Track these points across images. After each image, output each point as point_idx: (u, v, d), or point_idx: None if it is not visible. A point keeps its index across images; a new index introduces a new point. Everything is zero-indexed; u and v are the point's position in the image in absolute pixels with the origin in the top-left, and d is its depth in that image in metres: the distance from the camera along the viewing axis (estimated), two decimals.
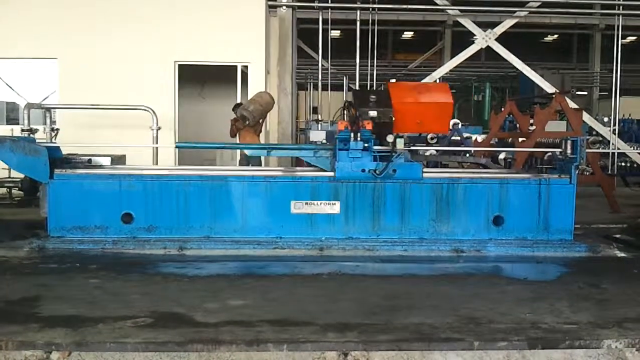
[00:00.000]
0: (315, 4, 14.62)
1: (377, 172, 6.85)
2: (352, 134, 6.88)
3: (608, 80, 19.37)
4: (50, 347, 3.81)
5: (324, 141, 13.40)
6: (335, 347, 3.89)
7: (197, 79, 15.03)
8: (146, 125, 10.68)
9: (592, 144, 12.87)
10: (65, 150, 7.38)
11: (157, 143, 10.61)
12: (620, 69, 15.39)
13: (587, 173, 10.14)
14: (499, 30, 14.41)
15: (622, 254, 6.93)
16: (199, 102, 15.81)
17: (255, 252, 6.59)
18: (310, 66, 22.11)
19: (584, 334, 4.13)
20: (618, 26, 15.35)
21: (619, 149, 14.55)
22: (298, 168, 8.03)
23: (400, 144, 6.87)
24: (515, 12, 14.69)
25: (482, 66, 26.85)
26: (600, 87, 26.76)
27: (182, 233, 6.84)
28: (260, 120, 10.58)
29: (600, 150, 14.02)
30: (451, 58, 16.87)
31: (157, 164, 10.31)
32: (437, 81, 15.40)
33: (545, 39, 31.11)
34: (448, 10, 15.59)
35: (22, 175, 8.77)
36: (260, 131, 10.84)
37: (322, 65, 15.66)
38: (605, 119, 16.57)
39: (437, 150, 12.09)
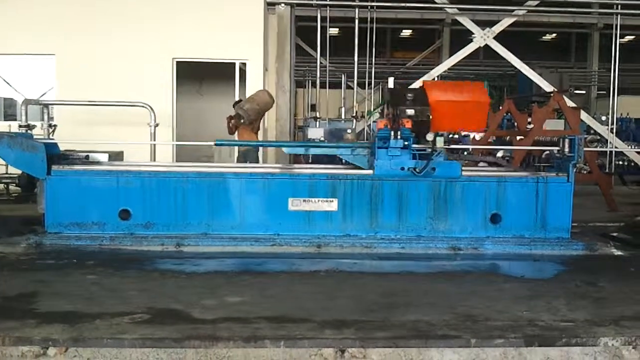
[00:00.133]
0: (314, 2, 14.61)
1: (417, 170, 6.87)
2: (392, 132, 6.89)
3: (606, 79, 19.40)
4: (47, 342, 3.81)
5: (322, 139, 13.39)
6: (333, 344, 3.89)
7: (196, 76, 15.01)
8: (144, 122, 10.68)
9: (589, 143, 12.90)
10: (62, 147, 7.37)
11: (154, 140, 10.60)
12: (618, 68, 15.42)
13: (585, 171, 10.13)
14: (497, 28, 14.41)
15: (619, 252, 6.94)
16: (197, 99, 15.80)
17: (252, 249, 6.59)
18: (308, 64, 22.10)
19: (581, 332, 4.13)
20: (616, 25, 15.36)
21: (616, 147, 14.57)
22: (296, 165, 8.04)
23: (440, 142, 6.88)
24: (513, 10, 14.69)
25: (480, 64, 26.87)
26: (598, 86, 26.79)
27: (180, 230, 6.84)
28: (258, 118, 10.56)
29: (598, 148, 14.05)
30: (449, 56, 16.88)
31: (154, 160, 10.30)
32: (436, 79, 15.41)
33: (544, 37, 31.12)
34: (446, 9, 15.58)
35: (19, 172, 8.74)
36: (259, 129, 10.83)
37: (321, 62, 15.65)
38: (603, 118, 16.62)
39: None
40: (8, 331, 3.90)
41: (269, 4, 13.31)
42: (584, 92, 27.25)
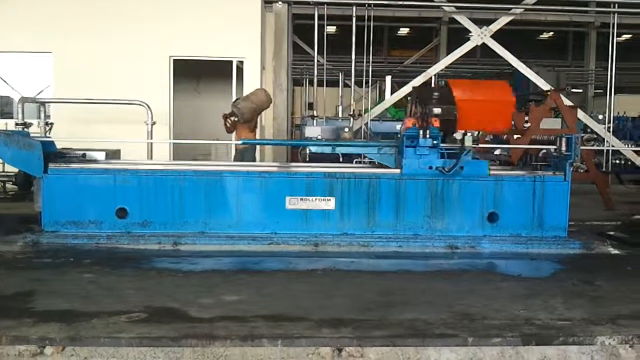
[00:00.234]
0: (311, 0, 14.57)
1: (445, 169, 6.88)
2: (420, 131, 6.90)
3: (603, 78, 19.42)
4: (44, 341, 3.80)
5: (320, 137, 13.36)
6: (330, 342, 3.90)
7: (193, 74, 14.99)
8: (141, 120, 10.66)
9: (586, 142, 12.89)
10: (59, 145, 7.36)
11: (152, 138, 10.58)
12: (615, 67, 15.40)
13: (582, 170, 10.15)
14: (495, 27, 14.39)
15: (616, 251, 6.96)
16: (194, 97, 15.78)
17: (250, 248, 6.59)
18: (306, 62, 22.04)
19: (578, 331, 4.14)
20: (613, 24, 15.35)
21: (613, 146, 14.58)
22: (293, 164, 8.02)
23: (468, 141, 6.90)
24: (510, 9, 14.67)
25: (477, 63, 26.83)
26: (595, 85, 26.78)
27: (177, 228, 6.83)
28: (254, 117, 10.54)
29: (595, 147, 14.04)
30: (447, 55, 16.86)
31: (151, 158, 10.28)
32: (433, 78, 15.39)
33: (541, 36, 31.08)
34: (444, 7, 15.57)
35: (16, 170, 8.74)
36: (256, 127, 10.81)
37: (318, 61, 15.60)
38: (600, 117, 16.58)
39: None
40: (5, 330, 3.89)
41: (266, 2, 13.28)
42: (581, 90, 27.24)
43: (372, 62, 15.01)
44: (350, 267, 5.96)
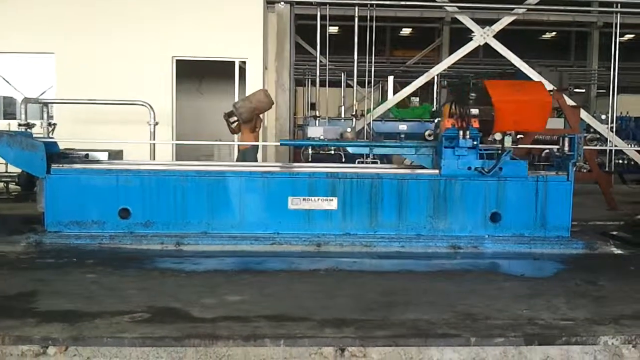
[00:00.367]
0: (314, 0, 14.59)
1: (485, 170, 6.88)
2: (460, 132, 6.90)
3: (606, 78, 19.36)
4: (47, 341, 3.81)
5: (322, 137, 13.36)
6: (332, 342, 3.89)
7: (195, 74, 15.00)
8: (143, 121, 10.66)
9: (589, 142, 12.88)
10: (62, 145, 7.37)
11: (154, 138, 10.59)
12: (618, 67, 15.39)
13: (585, 170, 10.15)
14: (497, 27, 14.40)
15: (619, 251, 6.95)
16: (196, 97, 15.79)
17: (252, 248, 6.59)
18: (308, 62, 22.03)
19: (581, 331, 4.13)
20: (616, 24, 15.33)
21: (616, 146, 14.57)
22: (295, 164, 8.03)
23: (508, 141, 6.92)
24: (513, 9, 14.67)
25: (480, 63, 26.80)
26: (598, 85, 26.72)
27: (180, 228, 6.84)
28: (254, 117, 10.53)
29: (598, 147, 14.03)
30: (449, 55, 16.86)
31: (154, 159, 10.29)
32: (435, 78, 15.40)
33: (543, 36, 31.04)
34: (446, 7, 15.57)
35: (19, 170, 8.74)
36: (258, 128, 10.81)
37: (320, 61, 15.63)
38: (603, 117, 16.56)
39: None
40: (8, 330, 3.90)
41: (268, 2, 13.29)
42: (583, 90, 27.20)
43: (375, 62, 15.02)
44: (352, 267, 5.96)
